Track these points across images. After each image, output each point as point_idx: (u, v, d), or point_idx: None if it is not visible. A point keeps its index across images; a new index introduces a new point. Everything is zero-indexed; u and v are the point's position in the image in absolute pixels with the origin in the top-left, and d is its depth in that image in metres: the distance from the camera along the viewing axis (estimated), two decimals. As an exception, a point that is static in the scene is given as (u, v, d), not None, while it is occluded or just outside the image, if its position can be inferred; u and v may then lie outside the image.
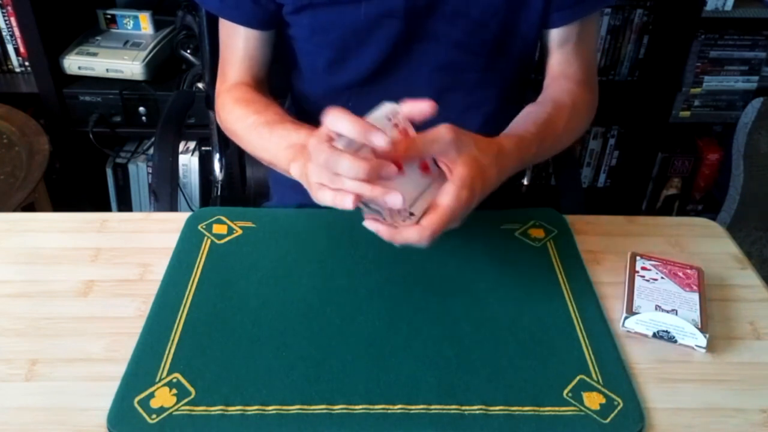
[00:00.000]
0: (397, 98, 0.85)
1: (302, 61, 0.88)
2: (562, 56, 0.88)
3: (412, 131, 0.63)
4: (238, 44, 0.85)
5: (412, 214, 0.61)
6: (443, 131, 0.62)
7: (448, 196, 0.60)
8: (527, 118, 0.79)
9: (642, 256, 0.72)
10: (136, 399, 0.56)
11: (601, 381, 0.59)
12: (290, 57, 0.89)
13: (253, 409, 0.55)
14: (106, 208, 1.85)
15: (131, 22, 1.68)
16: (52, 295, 0.67)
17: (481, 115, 0.89)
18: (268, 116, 0.77)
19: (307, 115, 0.93)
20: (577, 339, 0.64)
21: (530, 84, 1.01)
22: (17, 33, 1.66)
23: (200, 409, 0.55)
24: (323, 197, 0.59)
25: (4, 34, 1.68)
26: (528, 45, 0.88)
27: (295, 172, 0.68)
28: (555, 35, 0.86)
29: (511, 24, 0.81)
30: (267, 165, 0.80)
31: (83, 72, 1.62)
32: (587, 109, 0.87)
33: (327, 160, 0.58)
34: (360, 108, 0.87)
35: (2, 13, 1.65)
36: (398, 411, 0.56)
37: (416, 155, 0.62)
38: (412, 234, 0.60)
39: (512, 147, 0.70)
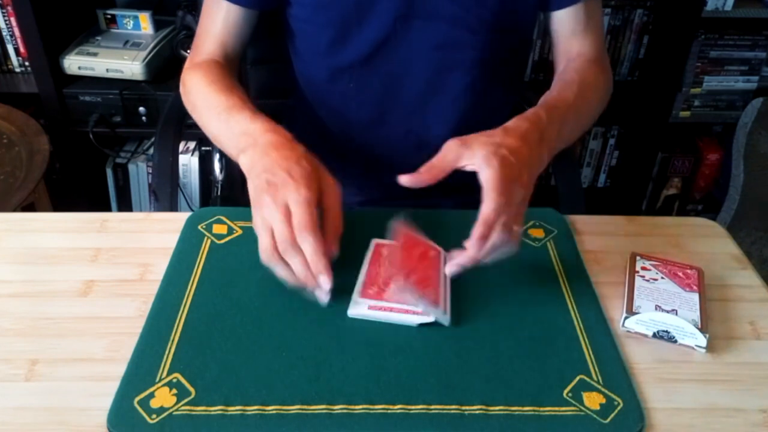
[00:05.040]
0: (396, 77, 0.86)
1: (304, 44, 0.89)
2: (571, 39, 0.89)
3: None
4: (218, 18, 0.86)
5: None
6: (446, 145, 0.67)
7: (488, 182, 0.63)
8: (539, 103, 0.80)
9: (642, 256, 0.72)
10: (136, 399, 0.56)
11: (601, 381, 0.59)
12: (292, 42, 0.91)
13: (253, 409, 0.55)
14: (106, 208, 1.84)
15: (131, 22, 1.68)
16: (52, 295, 0.67)
17: (479, 95, 0.89)
18: (231, 100, 0.77)
19: (311, 99, 0.94)
20: (577, 339, 0.64)
21: (530, 85, 1.02)
22: (17, 33, 1.66)
23: (200, 409, 0.55)
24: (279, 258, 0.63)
25: (4, 34, 1.68)
26: (525, 25, 0.89)
27: (243, 163, 0.69)
28: (562, 17, 0.87)
29: (509, 1, 0.82)
30: (217, 143, 0.80)
31: (83, 72, 1.62)
32: (600, 84, 0.87)
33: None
34: (361, 88, 0.89)
35: (2, 13, 1.65)
36: (398, 411, 0.56)
37: (441, 173, 0.66)
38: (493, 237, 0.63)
39: (529, 117, 0.72)
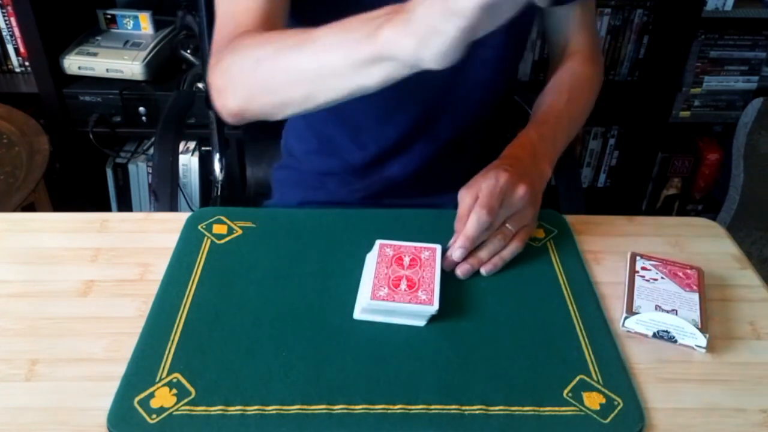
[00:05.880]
0: (409, 80, 0.85)
1: None
2: (567, 35, 0.92)
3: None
4: None
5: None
6: (460, 200, 0.71)
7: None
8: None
9: (642, 256, 0.72)
10: (136, 399, 0.56)
11: (601, 381, 0.59)
12: None
13: (253, 409, 0.55)
14: (106, 208, 1.85)
15: (131, 22, 1.68)
16: (52, 295, 0.67)
17: (491, 92, 0.90)
18: (315, 30, 0.61)
19: (321, 111, 0.93)
20: (577, 339, 0.64)
21: (530, 85, 1.02)
22: (17, 33, 1.66)
23: (200, 409, 0.55)
24: None
25: (4, 34, 1.68)
26: (532, 20, 0.91)
27: (393, 27, 0.54)
28: (561, 14, 0.89)
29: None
30: (306, 87, 0.62)
31: (83, 72, 1.62)
32: (592, 82, 0.91)
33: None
34: (386, 87, 0.83)
35: (2, 13, 1.66)
36: (398, 411, 0.56)
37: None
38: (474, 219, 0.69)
39: (521, 142, 0.77)
